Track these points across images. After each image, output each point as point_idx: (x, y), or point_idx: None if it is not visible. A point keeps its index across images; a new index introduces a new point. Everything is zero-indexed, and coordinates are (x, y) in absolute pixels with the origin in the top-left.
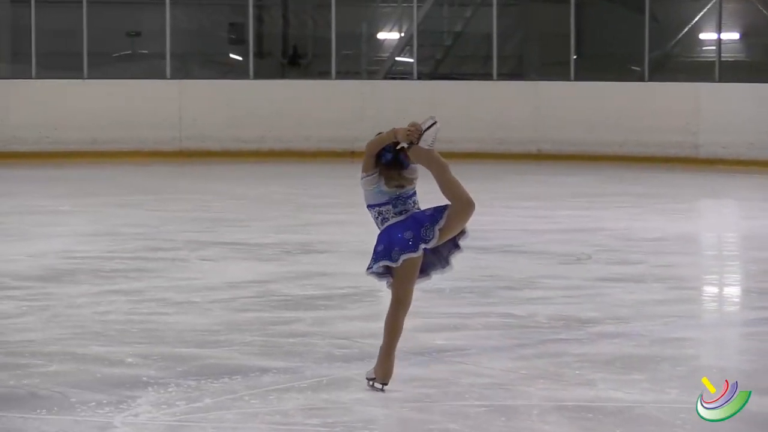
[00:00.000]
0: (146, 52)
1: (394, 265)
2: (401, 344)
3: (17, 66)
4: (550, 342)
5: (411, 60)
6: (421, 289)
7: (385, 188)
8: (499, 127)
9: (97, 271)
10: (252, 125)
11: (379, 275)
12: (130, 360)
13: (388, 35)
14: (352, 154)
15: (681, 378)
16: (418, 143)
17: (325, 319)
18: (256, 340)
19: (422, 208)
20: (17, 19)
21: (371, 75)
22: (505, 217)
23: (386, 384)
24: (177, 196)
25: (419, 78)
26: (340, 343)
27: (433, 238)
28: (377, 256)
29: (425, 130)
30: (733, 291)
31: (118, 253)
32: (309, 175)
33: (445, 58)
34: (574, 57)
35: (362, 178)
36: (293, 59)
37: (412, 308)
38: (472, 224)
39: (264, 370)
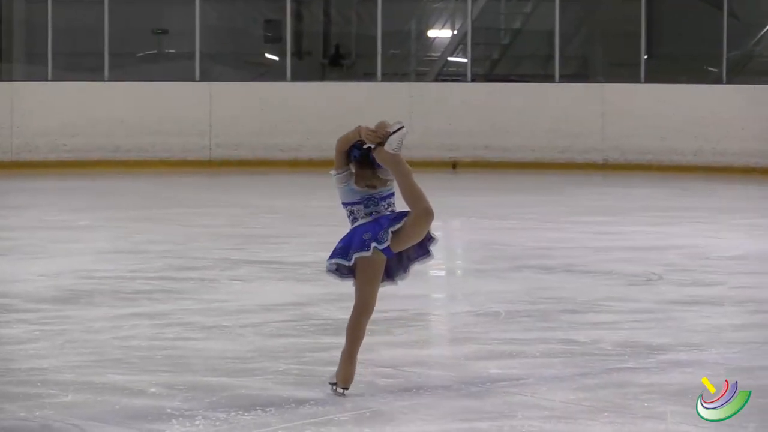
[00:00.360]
0: (173, 51)
1: (346, 263)
2: (451, 374)
3: (32, 67)
4: (615, 371)
5: (464, 60)
6: (473, 313)
7: (355, 187)
8: (562, 135)
9: (117, 293)
10: (289, 132)
11: (341, 275)
12: (153, 390)
13: (440, 33)
14: None
15: (761, 411)
16: (382, 146)
17: (368, 345)
18: (292, 369)
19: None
20: (32, 16)
21: (420, 77)
22: (568, 234)
23: (347, 389)
24: (206, 210)
25: (473, 80)
26: (384, 372)
27: (386, 240)
28: (333, 254)
29: (391, 134)
30: None
31: (141, 273)
32: None
33: (502, 58)
34: (645, 57)
35: (333, 175)
36: (335, 59)
37: (463, 334)
38: (531, 241)
39: (300, 402)
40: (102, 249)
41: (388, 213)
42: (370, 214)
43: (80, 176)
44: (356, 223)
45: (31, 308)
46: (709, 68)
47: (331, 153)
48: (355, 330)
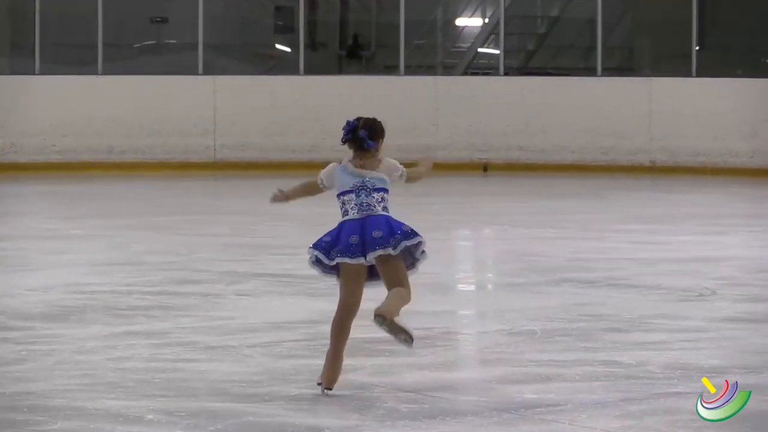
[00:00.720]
0: (174, 42)
1: (327, 262)
2: (481, 399)
3: (18, 60)
4: (663, 396)
5: (497, 51)
6: (505, 331)
7: (349, 166)
8: (605, 134)
9: (112, 309)
10: (302, 131)
11: (323, 271)
12: (150, 417)
13: (469, 21)
14: None
15: None
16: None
17: (389, 367)
18: (304, 394)
19: (390, 214)
20: (17, 3)
21: (448, 70)
22: (611, 243)
23: (330, 389)
24: (210, 218)
25: (507, 73)
26: (407, 397)
27: (371, 261)
28: (317, 245)
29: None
30: None
31: (139, 287)
32: None
33: (539, 49)
34: (696, 48)
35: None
36: (353, 51)
37: (494, 355)
38: (570, 252)
39: (314, 430)
40: (95, 260)
41: (380, 213)
42: (360, 208)
43: (71, 180)
44: (345, 217)
45: (17, 326)
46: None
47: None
48: (338, 329)
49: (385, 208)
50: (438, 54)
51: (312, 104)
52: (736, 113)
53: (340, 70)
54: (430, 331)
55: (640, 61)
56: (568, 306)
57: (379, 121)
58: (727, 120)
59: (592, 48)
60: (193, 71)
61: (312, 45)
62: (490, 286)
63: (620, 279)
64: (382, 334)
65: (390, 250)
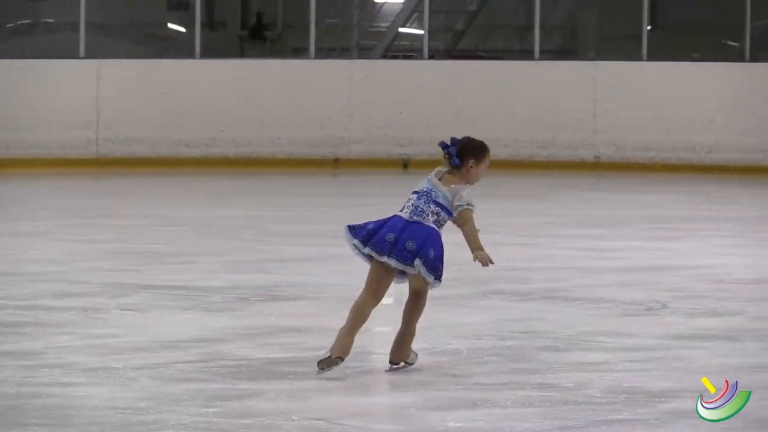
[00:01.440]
0: (52, 21)
1: (362, 249)
2: (398, 428)
3: None
4: (606, 423)
5: (420, 32)
6: (428, 350)
7: (434, 176)
8: (543, 126)
9: None
10: (198, 123)
11: (361, 253)
12: None
13: None
14: (336, 163)
15: None
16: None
17: (294, 392)
18: (198, 422)
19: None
20: None
21: (365, 53)
22: (549, 251)
23: (342, 359)
24: (92, 221)
25: (431, 57)
26: (315, 426)
27: (399, 262)
28: (359, 232)
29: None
30: None
31: (8, 301)
32: (276, 192)
33: (468, 29)
34: (648, 28)
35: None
36: (256, 31)
37: (414, 377)
38: (503, 260)
39: None
40: None
41: (429, 225)
42: (415, 209)
43: None
44: (400, 211)
45: None
46: (729, 42)
47: (252, 150)
48: (358, 312)
49: (437, 223)
50: (354, 35)
51: (210, 92)
52: (692, 102)
53: (241, 53)
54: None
55: (584, 42)
56: (500, 322)
57: (479, 142)
58: (683, 110)
59: (529, 27)
60: (74, 54)
61: (210, 24)
62: None
63: (559, 291)
64: (287, 354)
65: (410, 268)
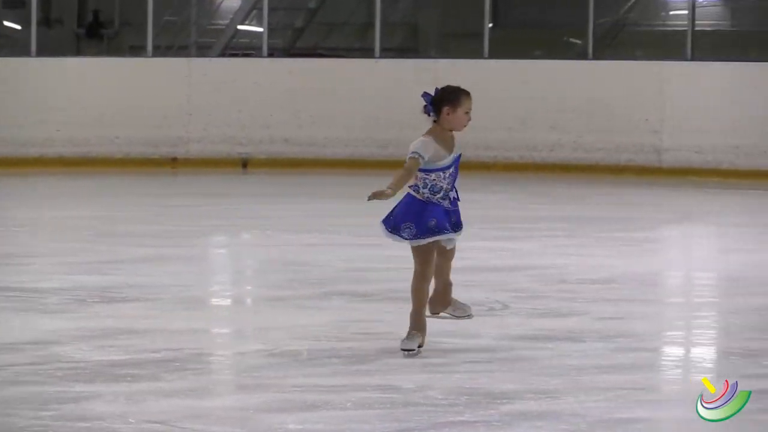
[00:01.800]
0: None
1: (403, 241)
2: (237, 429)
3: None
4: (448, 426)
5: (260, 29)
6: (266, 352)
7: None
8: (384, 125)
9: None
10: (34, 121)
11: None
12: None
13: None
14: (174, 162)
15: None
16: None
17: (132, 394)
18: (34, 425)
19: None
20: None
21: (203, 51)
22: (389, 251)
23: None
24: None
25: (271, 54)
26: (152, 429)
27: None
28: (395, 229)
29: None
30: (705, 353)
31: None
32: (113, 193)
33: (308, 26)
34: (490, 26)
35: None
36: (93, 29)
37: (253, 379)
38: (343, 261)
39: None
40: None
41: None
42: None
43: None
44: (430, 197)
45: None
46: (572, 40)
47: (89, 149)
48: (418, 294)
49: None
50: (192, 33)
51: (45, 91)
52: (535, 100)
53: (78, 51)
54: (180, 352)
55: (425, 40)
56: (340, 323)
57: (452, 88)
58: (525, 108)
59: (370, 25)
60: None
61: (46, 22)
62: (249, 300)
63: (399, 292)
64: (125, 356)
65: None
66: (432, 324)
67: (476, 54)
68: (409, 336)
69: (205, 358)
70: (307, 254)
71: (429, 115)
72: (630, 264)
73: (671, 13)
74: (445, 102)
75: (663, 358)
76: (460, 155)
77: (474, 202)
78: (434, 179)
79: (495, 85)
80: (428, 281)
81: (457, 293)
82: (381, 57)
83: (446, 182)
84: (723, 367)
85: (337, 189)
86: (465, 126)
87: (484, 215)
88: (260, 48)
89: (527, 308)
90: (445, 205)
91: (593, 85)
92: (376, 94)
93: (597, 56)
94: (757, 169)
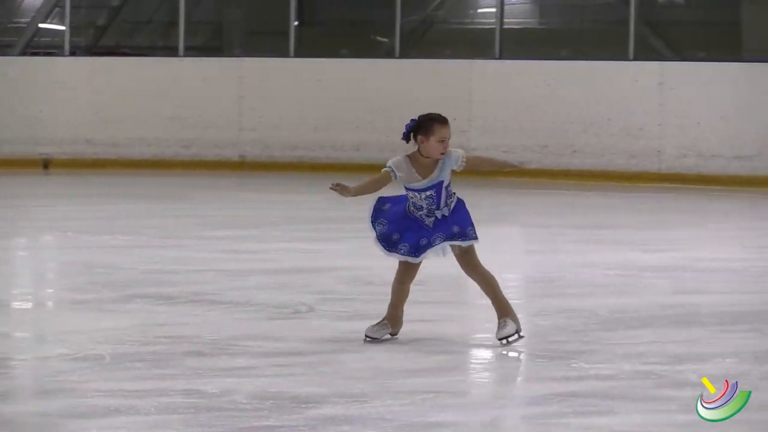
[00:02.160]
0: None
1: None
2: None
3: None
4: (253, 430)
5: (62, 27)
6: (68, 356)
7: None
8: (187, 125)
9: None
10: None
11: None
12: None
13: None
14: None
15: None
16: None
17: None
18: None
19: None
20: None
21: (5, 49)
22: (194, 253)
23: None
24: None
25: (73, 53)
26: None
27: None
28: (383, 240)
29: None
30: (514, 356)
31: None
32: None
33: (111, 24)
34: (295, 24)
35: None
36: None
37: (55, 384)
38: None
39: None
40: None
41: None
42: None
43: None
44: (414, 211)
45: None
46: (379, 38)
47: None
48: (394, 290)
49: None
50: None
51: None
52: (342, 99)
53: None
54: None
55: (230, 38)
56: (143, 326)
57: (424, 117)
58: (331, 107)
59: (174, 23)
60: None
61: None
62: (50, 303)
63: (204, 294)
64: None
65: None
66: (235, 327)
67: (282, 53)
68: (379, 324)
69: (6, 362)
70: (109, 256)
71: (407, 142)
72: (438, 266)
73: (479, 11)
74: (420, 130)
75: (471, 361)
76: (441, 182)
77: (279, 203)
78: (412, 197)
79: (301, 84)
80: (400, 283)
81: (261, 296)
82: (185, 56)
83: (425, 203)
84: (529, 370)
85: (141, 190)
86: (442, 153)
87: (290, 216)
88: (62, 46)
89: (332, 310)
90: (426, 223)
91: (400, 84)
92: (180, 94)
93: (404, 55)
94: (567, 169)
